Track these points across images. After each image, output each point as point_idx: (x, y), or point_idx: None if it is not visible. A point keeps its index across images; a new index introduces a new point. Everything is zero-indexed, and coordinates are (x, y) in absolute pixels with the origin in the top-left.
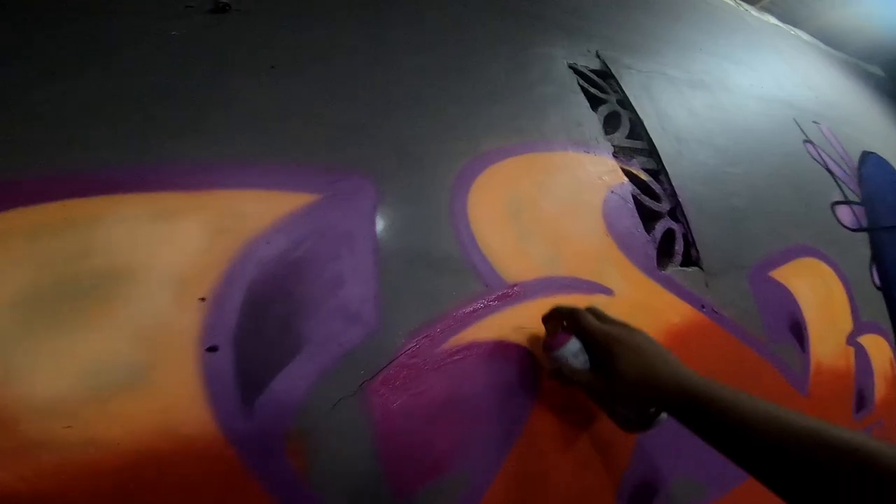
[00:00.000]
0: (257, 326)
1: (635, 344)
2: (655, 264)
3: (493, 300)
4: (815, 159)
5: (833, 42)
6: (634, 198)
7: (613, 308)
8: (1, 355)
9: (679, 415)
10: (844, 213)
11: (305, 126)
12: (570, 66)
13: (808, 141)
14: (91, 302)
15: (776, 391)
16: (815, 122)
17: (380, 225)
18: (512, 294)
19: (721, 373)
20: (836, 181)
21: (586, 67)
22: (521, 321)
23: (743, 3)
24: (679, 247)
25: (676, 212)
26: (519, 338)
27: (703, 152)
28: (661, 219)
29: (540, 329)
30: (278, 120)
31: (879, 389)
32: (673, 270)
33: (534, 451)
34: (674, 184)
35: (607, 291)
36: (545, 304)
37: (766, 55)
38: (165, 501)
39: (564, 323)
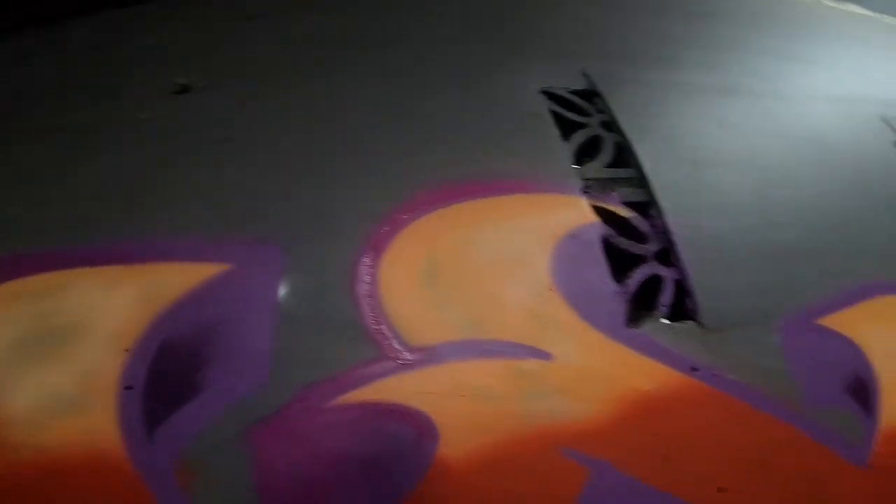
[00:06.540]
0: (165, 374)
1: None
2: (623, 321)
3: (391, 364)
4: None
5: None
6: (607, 240)
7: (549, 376)
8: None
9: None
10: None
11: (231, 199)
12: (544, 91)
13: None
14: (53, 349)
15: (811, 465)
16: None
17: (283, 292)
18: (413, 359)
19: (718, 448)
20: None
21: (565, 89)
22: (424, 386)
23: None
24: (667, 297)
25: (669, 253)
26: (418, 402)
27: (734, 175)
28: (644, 264)
29: (449, 393)
30: (210, 195)
31: None
32: (652, 327)
33: None
34: (668, 219)
35: (544, 356)
36: (457, 369)
37: (847, 48)
38: (87, 491)
39: None
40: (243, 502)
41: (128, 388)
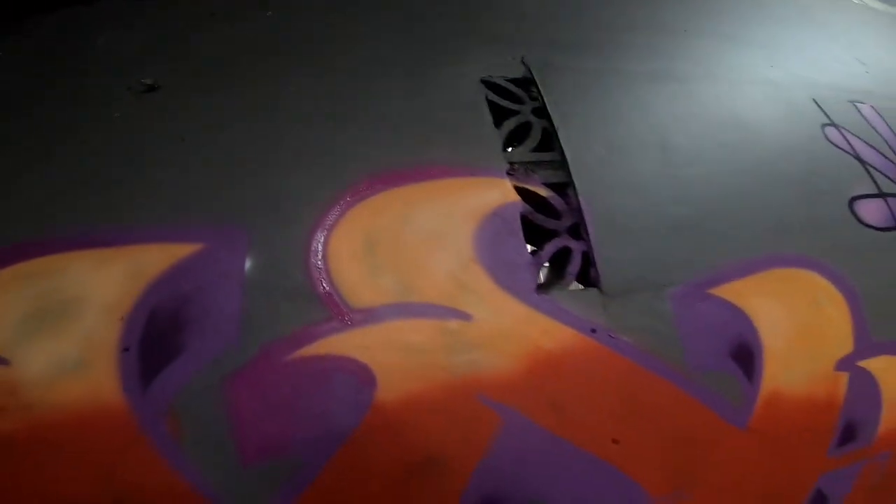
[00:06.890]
0: (154, 337)
1: None
2: (534, 287)
3: (337, 324)
4: (836, 146)
5: None
6: (526, 217)
7: (469, 333)
8: (15, 353)
9: None
10: (871, 209)
11: (201, 188)
12: (483, 80)
13: (829, 124)
14: (57, 321)
15: (694, 424)
16: (853, 101)
17: (247, 266)
18: (355, 319)
19: (612, 402)
20: (866, 170)
21: (503, 77)
22: (364, 341)
23: None
24: (574, 267)
25: (580, 228)
26: (360, 354)
27: (645, 156)
28: (556, 238)
29: (385, 347)
30: (181, 186)
31: (889, 419)
32: (559, 293)
33: (363, 454)
34: (581, 197)
35: (464, 317)
36: (392, 327)
37: (796, 29)
38: (94, 439)
39: None
40: (221, 443)
41: (125, 350)
